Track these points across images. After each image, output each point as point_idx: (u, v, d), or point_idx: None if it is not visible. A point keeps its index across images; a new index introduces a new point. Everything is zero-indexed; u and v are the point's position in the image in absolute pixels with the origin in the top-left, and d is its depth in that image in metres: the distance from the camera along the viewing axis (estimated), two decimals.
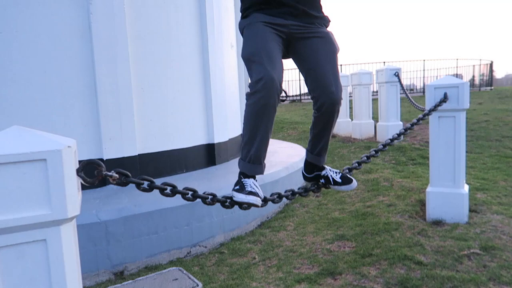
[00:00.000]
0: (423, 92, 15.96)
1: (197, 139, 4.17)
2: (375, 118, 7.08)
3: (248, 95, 1.77)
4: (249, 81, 1.83)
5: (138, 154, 3.59)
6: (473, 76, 19.56)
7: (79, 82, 3.26)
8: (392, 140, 2.36)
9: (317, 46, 1.87)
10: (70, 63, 3.22)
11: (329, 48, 1.88)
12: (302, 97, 15.78)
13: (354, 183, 2.04)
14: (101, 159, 3.39)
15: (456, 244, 2.68)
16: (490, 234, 2.81)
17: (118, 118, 3.40)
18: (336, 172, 2.06)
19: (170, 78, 3.85)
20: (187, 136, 4.06)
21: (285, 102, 16.11)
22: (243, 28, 1.93)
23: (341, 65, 15.81)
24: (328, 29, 2.00)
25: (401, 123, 6.32)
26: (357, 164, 2.20)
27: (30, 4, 3.11)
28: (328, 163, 5.44)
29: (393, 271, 2.41)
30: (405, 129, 2.50)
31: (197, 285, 2.49)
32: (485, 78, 19.76)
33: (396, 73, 6.01)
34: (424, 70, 17.23)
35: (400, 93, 6.22)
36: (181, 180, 3.59)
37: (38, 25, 3.14)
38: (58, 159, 1.05)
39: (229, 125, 4.72)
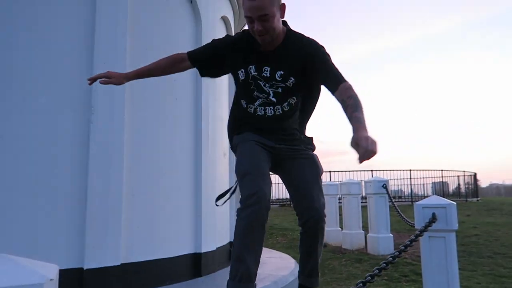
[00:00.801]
0: (411, 200, 16.15)
1: (183, 248, 4.04)
2: (365, 226, 7.03)
3: (239, 210, 1.79)
4: (240, 197, 1.86)
5: (121, 264, 3.43)
6: (459, 185, 20.04)
7: (71, 189, 3.26)
8: (380, 270, 2.31)
9: (303, 166, 2.00)
10: (64, 169, 3.26)
11: (314, 169, 2.01)
12: None
13: None
14: (81, 269, 3.22)
15: None
16: None
17: (104, 225, 3.33)
18: None
19: (161, 186, 3.88)
20: (174, 244, 3.94)
21: (274, 205, 16.09)
22: (237, 144, 2.05)
23: (330, 171, 16.19)
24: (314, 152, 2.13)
25: (391, 235, 6.26)
26: None
27: (32, 111, 3.24)
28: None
29: None
30: (395, 256, 2.47)
31: None
32: (470, 187, 20.21)
33: (384, 185, 6.14)
34: (410, 178, 17.65)
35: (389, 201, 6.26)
36: None
37: (37, 133, 3.24)
38: None
39: (218, 233, 4.62)
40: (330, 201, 7.60)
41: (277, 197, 18.31)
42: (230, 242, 5.31)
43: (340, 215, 7.66)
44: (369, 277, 2.23)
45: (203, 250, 4.19)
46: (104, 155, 3.40)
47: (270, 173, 2.03)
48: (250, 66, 1.92)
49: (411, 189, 17.84)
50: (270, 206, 1.84)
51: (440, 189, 19.25)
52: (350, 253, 6.46)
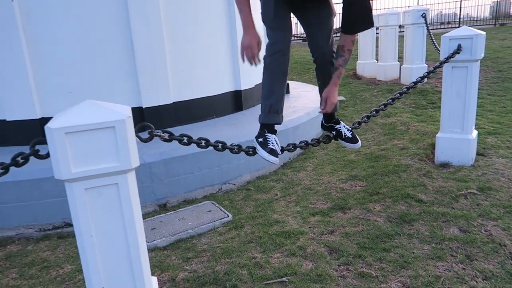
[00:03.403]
0: (458, 26, 15.22)
1: (225, 86, 4.50)
2: (401, 57, 7.07)
3: (264, 58, 2.09)
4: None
5: (173, 102, 3.98)
6: None
7: (117, 40, 3.60)
8: (393, 100, 2.60)
9: (316, 9, 2.15)
10: (109, 24, 3.54)
11: (325, 11, 2.16)
12: None
13: (358, 143, 2.38)
14: (141, 108, 3.80)
15: (456, 185, 3.00)
16: (490, 176, 3.09)
17: (153, 70, 3.76)
18: (348, 129, 2.38)
19: (199, 31, 4.11)
20: (216, 84, 4.39)
21: None
22: None
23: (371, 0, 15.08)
24: None
25: (425, 65, 6.34)
26: (357, 124, 2.47)
27: None
28: (350, 106, 5.69)
29: (395, 207, 2.79)
30: (409, 87, 2.72)
31: (228, 216, 2.97)
32: None
33: (423, 15, 5.93)
34: (461, 1, 16.24)
35: (433, 28, 6.10)
36: (211, 126, 3.99)
37: None
38: (123, 126, 1.43)
39: (255, 71, 4.97)
40: (366, 34, 7.52)
41: None
42: None
43: (377, 47, 7.65)
44: (382, 106, 2.57)
45: (243, 88, 4.64)
46: (141, 7, 3.58)
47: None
48: None
49: (460, 13, 16.59)
50: (290, 49, 2.11)
51: (499, 10, 17.68)
52: (383, 84, 6.73)
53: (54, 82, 3.52)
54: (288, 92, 5.84)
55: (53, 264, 2.55)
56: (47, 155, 1.44)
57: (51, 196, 2.94)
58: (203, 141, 1.84)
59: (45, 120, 3.52)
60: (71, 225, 3.03)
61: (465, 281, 2.01)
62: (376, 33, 7.56)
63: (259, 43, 2.03)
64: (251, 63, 2.06)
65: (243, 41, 2.01)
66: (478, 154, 3.53)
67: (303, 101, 5.12)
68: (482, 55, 3.21)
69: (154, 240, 2.68)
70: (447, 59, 3.07)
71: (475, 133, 3.44)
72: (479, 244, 2.30)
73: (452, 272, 2.09)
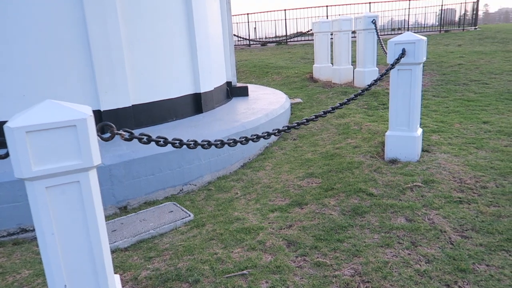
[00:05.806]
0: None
1: (184, 89, 4.54)
2: (355, 61, 7.41)
3: None
4: None
5: (132, 105, 3.97)
6: (465, 12, 19.45)
7: (73, 42, 3.55)
8: (352, 98, 2.77)
9: None
10: (64, 25, 3.49)
11: None
12: (288, 39, 15.77)
13: None
14: (99, 111, 3.77)
15: (403, 179, 3.23)
16: (434, 170, 3.35)
17: (111, 73, 3.74)
18: None
19: (158, 33, 4.13)
20: (176, 87, 4.42)
21: (271, 44, 16.16)
22: None
23: (326, 6, 15.65)
24: None
25: (376, 69, 6.69)
26: (314, 117, 2.62)
27: None
28: (307, 108, 5.90)
29: (349, 201, 2.96)
30: (357, 94, 2.91)
31: (189, 216, 3.02)
32: (475, 12, 19.66)
33: (373, 21, 6.26)
34: (409, 8, 17.17)
35: (385, 34, 6.45)
36: (171, 129, 4.02)
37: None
38: (84, 125, 1.47)
39: (214, 75, 5.06)
40: (322, 39, 7.82)
41: (275, 35, 18.24)
42: (227, 82, 5.81)
43: (332, 51, 7.96)
44: (338, 104, 2.74)
45: (202, 91, 4.70)
46: (97, 5, 3.57)
47: None
48: None
49: (409, 20, 17.52)
50: None
51: (445, 17, 18.77)
52: (338, 87, 7.03)
53: (6, 85, 3.43)
54: (247, 95, 5.96)
55: (9, 270, 2.49)
56: (6, 155, 1.45)
57: (5, 202, 2.86)
58: (161, 140, 1.91)
59: None
60: (26, 230, 2.97)
61: (410, 265, 2.20)
62: (331, 38, 7.87)
63: None
64: None
65: None
66: (423, 150, 3.80)
67: (262, 103, 5.25)
68: (424, 58, 3.47)
69: (115, 242, 2.68)
70: (393, 65, 3.30)
71: (420, 131, 3.70)
72: (423, 231, 2.51)
73: (399, 257, 2.27)
